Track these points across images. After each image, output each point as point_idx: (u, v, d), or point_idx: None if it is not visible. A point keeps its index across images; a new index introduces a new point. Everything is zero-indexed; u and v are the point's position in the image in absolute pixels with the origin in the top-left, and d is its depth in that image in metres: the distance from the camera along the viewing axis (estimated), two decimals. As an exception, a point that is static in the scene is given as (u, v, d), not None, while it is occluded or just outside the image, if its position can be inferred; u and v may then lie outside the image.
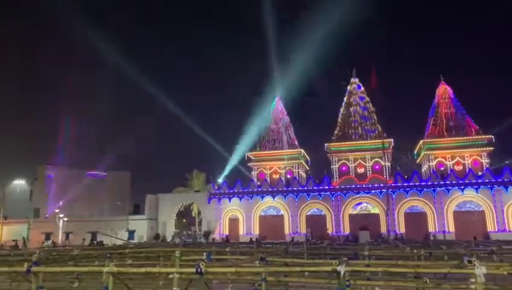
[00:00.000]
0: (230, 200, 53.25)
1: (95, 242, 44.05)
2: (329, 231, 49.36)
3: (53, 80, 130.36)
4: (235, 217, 53.56)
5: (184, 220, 72.51)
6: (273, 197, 51.95)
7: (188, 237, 56.62)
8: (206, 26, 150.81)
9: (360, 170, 53.13)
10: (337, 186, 51.01)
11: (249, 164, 58.71)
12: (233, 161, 61.98)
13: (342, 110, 57.36)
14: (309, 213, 51.67)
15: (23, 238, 44.05)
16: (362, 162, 53.39)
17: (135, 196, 70.33)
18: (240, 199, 52.93)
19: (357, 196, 50.23)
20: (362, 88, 57.80)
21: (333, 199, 50.54)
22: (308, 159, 61.05)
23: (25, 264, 6.84)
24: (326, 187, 50.98)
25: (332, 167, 54.28)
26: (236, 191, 53.29)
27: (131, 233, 52.75)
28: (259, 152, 57.77)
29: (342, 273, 6.58)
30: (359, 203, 50.69)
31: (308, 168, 61.34)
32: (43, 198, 62.73)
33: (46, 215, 62.54)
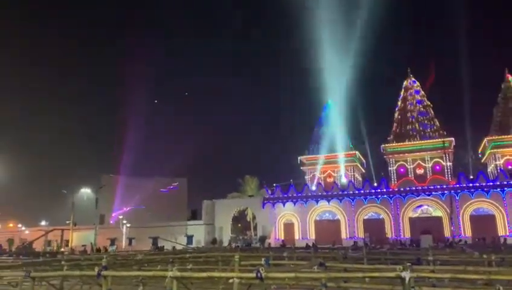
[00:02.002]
0: (284, 205, 53.10)
1: (157, 247, 45.80)
2: (389, 235, 47.66)
3: (114, 90, 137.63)
4: (289, 221, 53.32)
5: (239, 225, 73.30)
6: (328, 201, 51.12)
7: (244, 241, 57.18)
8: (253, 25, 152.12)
9: (420, 171, 50.90)
10: (396, 189, 49.22)
11: (301, 168, 58.30)
12: (286, 165, 61.89)
13: (397, 109, 55.42)
14: (366, 217, 50.25)
15: (91, 243, 46.70)
16: (421, 162, 51.13)
17: (192, 201, 72.30)
18: (294, 204, 52.62)
19: (417, 198, 48.11)
20: (419, 86, 55.51)
21: (391, 202, 48.79)
22: (364, 161, 59.52)
23: (96, 268, 7.24)
24: (384, 190, 49.33)
25: (389, 168, 52.48)
26: (290, 195, 53.05)
27: (189, 238, 54.19)
28: (312, 156, 57.18)
29: (407, 279, 6.31)
30: (419, 206, 48.52)
31: (364, 171, 59.77)
32: (107, 205, 66.36)
33: (111, 222, 66.07)
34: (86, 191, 66.42)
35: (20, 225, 70.57)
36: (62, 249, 46.20)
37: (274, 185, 57.46)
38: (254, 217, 59.26)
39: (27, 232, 64.85)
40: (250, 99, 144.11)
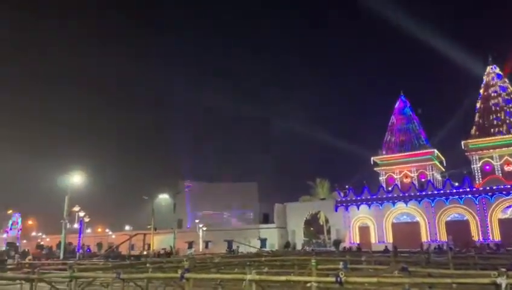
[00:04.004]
0: (358, 208, 51.59)
1: (232, 250, 46.81)
2: (475, 238, 44.18)
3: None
4: (365, 224, 51.67)
5: (312, 229, 72.63)
6: (406, 202, 48.73)
7: (318, 245, 56.47)
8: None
9: (508, 168, 46.65)
10: (481, 188, 45.56)
11: (375, 169, 56.26)
12: (358, 166, 60.14)
13: (479, 102, 51.38)
14: (449, 219, 47.10)
15: (171, 247, 48.95)
16: (510, 159, 46.81)
17: (262, 205, 73.10)
18: (369, 206, 50.91)
19: (507, 197, 44.07)
20: (503, 75, 51.03)
21: (477, 202, 45.22)
22: (443, 159, 55.95)
23: (179, 271, 7.52)
24: (468, 189, 45.90)
25: (472, 166, 48.75)
26: (364, 198, 51.44)
27: (263, 241, 54.73)
28: (386, 156, 54.96)
29: (503, 286, 5.74)
30: (510, 206, 44.40)
31: (443, 170, 56.19)
32: (184, 210, 69.26)
33: (188, 226, 68.89)
34: (163, 197, 69.99)
35: (107, 230, 76.24)
36: (145, 252, 48.96)
37: (346, 187, 56.21)
38: (327, 221, 58.33)
39: (113, 236, 69.83)
40: (319, 99, 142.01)
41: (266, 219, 60.57)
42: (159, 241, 57.48)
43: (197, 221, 61.01)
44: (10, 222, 61.21)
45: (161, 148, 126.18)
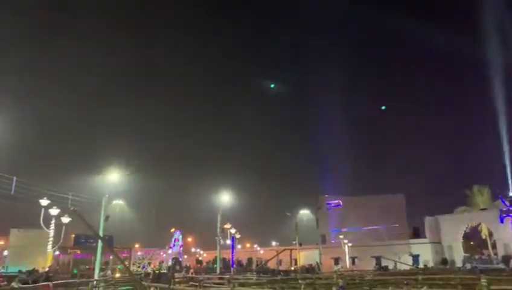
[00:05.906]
0: (530, 218, 44.23)
1: (382, 267, 44.67)
2: None
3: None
4: (541, 237, 43.98)
5: (471, 243, 65.00)
6: None
7: (481, 261, 50.08)
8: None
9: None
10: None
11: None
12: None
13: None
14: None
15: (317, 263, 48.90)
16: None
17: (410, 218, 68.30)
18: (545, 215, 43.20)
19: None
20: None
21: None
22: None
23: (333, 288, 7.44)
24: None
25: None
26: (536, 205, 43.93)
27: (415, 258, 50.97)
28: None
29: None
30: None
31: None
32: (326, 225, 68.75)
33: (332, 241, 68.20)
34: (305, 212, 70.75)
35: (255, 245, 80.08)
36: (292, 268, 49.98)
37: (511, 194, 48.94)
38: (491, 234, 51.48)
39: (262, 251, 73.03)
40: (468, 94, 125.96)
41: (416, 233, 56.37)
42: (304, 257, 57.90)
43: (341, 237, 59.83)
44: (173, 239, 68.86)
45: (301, 162, 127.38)
